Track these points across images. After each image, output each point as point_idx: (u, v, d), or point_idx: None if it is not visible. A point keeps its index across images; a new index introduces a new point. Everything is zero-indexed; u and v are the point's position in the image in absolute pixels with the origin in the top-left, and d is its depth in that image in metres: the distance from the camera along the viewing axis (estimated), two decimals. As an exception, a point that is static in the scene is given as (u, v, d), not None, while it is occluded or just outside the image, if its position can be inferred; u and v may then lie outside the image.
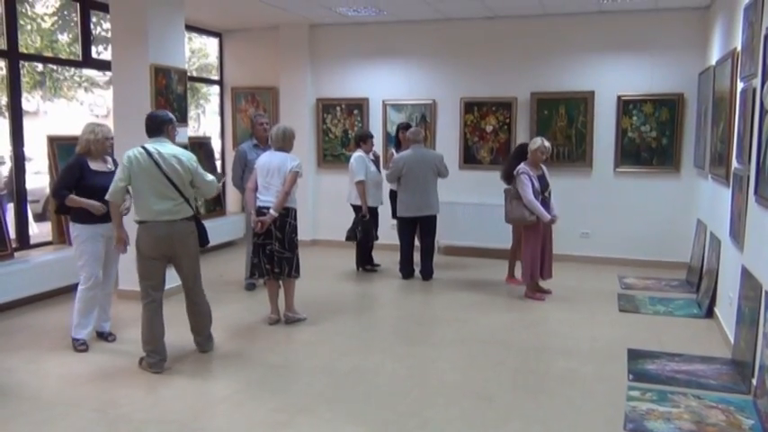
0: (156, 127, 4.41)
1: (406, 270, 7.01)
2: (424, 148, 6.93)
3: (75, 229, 4.73)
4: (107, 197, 4.35)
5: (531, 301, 6.12)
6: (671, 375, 4.30)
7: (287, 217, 5.23)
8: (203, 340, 4.75)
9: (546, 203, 6.03)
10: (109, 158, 4.89)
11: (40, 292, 5.96)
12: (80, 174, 4.66)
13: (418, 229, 6.98)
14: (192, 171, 4.39)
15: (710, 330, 5.30)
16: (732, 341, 4.66)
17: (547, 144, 6.03)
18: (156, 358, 4.35)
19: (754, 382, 3.89)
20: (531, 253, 6.03)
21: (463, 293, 6.47)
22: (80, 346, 4.74)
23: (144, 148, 4.31)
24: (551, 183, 6.26)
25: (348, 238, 7.11)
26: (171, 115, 4.58)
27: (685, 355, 4.68)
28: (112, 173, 4.63)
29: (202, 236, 4.61)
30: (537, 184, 5.95)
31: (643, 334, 5.19)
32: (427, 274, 6.97)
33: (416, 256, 7.06)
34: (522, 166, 6.00)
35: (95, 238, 4.72)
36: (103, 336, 5.00)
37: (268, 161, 5.27)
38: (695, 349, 4.81)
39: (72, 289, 5.96)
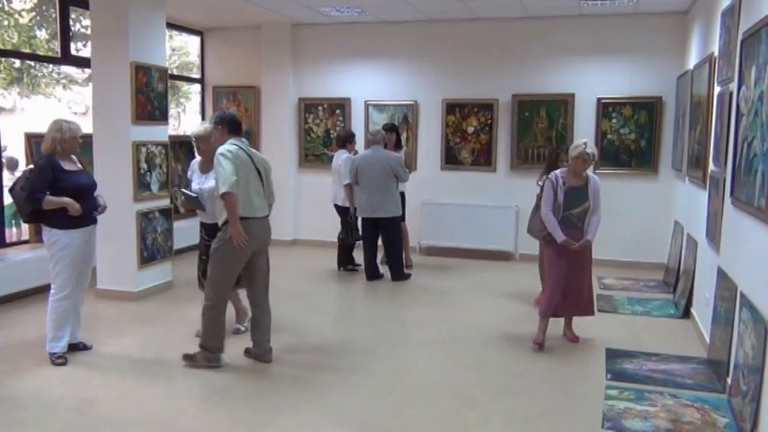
0: (238, 127, 4.49)
1: (368, 272, 6.97)
2: (381, 150, 6.86)
3: (53, 235, 4.35)
4: (228, 189, 4.14)
5: (511, 302, 6.15)
6: (648, 375, 4.36)
7: None
8: (264, 352, 4.55)
9: (570, 222, 4.82)
10: (74, 157, 4.53)
11: (17, 291, 5.88)
12: (53, 175, 4.29)
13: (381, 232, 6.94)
14: (270, 172, 4.54)
15: (687, 330, 5.38)
16: (708, 341, 4.73)
17: (590, 150, 4.69)
18: (218, 353, 4.42)
19: (729, 381, 3.96)
20: (551, 281, 4.93)
21: (444, 294, 6.49)
22: (57, 360, 4.42)
23: (236, 144, 4.34)
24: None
25: (342, 241, 7.17)
26: None
27: (662, 355, 4.75)
28: (83, 172, 4.54)
29: None
30: (561, 197, 4.79)
31: (621, 334, 5.26)
32: (395, 276, 6.92)
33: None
34: (555, 172, 4.92)
35: (75, 244, 4.40)
36: (78, 347, 4.66)
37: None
38: (672, 349, 4.88)
39: (49, 288, 5.90)
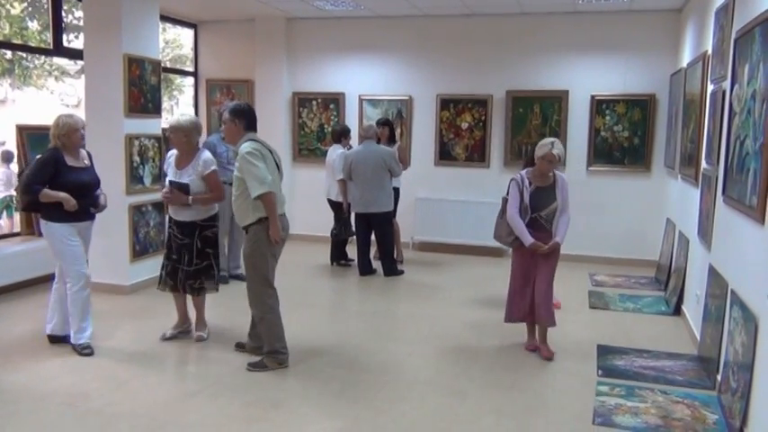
0: (255, 121, 4.31)
1: (361, 267, 6.99)
2: (375, 145, 6.87)
3: (51, 228, 4.37)
4: (268, 189, 4.04)
5: (503, 298, 6.15)
6: (639, 371, 4.39)
7: None
8: (258, 347, 4.48)
9: (538, 224, 4.59)
10: (84, 152, 4.56)
11: (8, 283, 5.85)
12: (55, 169, 4.31)
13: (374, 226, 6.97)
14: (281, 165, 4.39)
15: (678, 327, 5.41)
16: (698, 338, 4.76)
17: (555, 151, 4.41)
18: (287, 353, 4.36)
19: (719, 377, 3.99)
20: (512, 284, 4.85)
21: (436, 290, 6.50)
22: (84, 351, 4.44)
23: (257, 141, 4.20)
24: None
25: (335, 236, 7.19)
26: None
27: (653, 352, 4.78)
28: (89, 169, 4.54)
29: None
30: (528, 199, 4.55)
31: (612, 330, 5.29)
32: (386, 271, 6.95)
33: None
34: (520, 172, 4.66)
35: (73, 236, 4.41)
36: (66, 339, 4.60)
37: None
38: (663, 346, 4.91)
39: (41, 281, 5.89)
